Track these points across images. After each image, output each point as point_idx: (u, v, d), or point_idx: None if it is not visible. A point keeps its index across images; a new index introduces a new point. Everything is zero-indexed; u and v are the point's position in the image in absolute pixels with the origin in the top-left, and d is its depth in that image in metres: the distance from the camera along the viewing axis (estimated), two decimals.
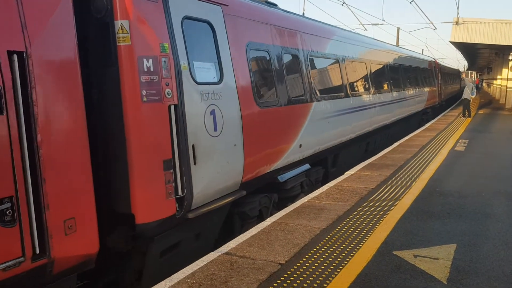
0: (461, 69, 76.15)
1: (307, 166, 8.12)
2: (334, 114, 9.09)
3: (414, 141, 12.86)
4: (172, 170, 4.68)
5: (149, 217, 4.50)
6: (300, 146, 7.61)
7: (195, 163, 4.94)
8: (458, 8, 23.05)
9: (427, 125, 17.65)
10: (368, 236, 5.09)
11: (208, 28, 5.52)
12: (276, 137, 6.82)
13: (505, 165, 9.39)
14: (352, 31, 12.33)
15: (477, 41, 22.22)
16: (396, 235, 5.14)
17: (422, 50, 58.12)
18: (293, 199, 7.53)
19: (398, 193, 7.01)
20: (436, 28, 29.41)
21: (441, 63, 35.31)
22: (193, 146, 4.91)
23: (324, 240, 4.96)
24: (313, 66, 8.55)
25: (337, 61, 9.91)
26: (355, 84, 10.71)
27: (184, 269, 4.23)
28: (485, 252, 4.67)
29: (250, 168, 6.08)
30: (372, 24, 30.59)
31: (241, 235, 5.12)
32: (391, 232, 5.25)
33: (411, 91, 17.12)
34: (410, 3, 22.25)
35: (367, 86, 11.64)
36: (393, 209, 6.13)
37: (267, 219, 5.69)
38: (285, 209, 6.18)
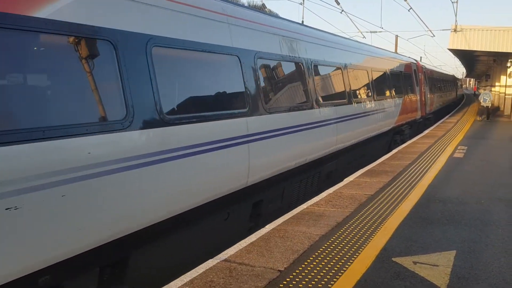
0: (459, 76, 76.38)
1: None
2: (118, 166, 4.04)
3: (413, 148, 12.86)
4: None
5: None
6: None
7: None
8: (456, 15, 23.21)
9: (426, 132, 17.66)
10: (367, 243, 5.07)
11: None
12: None
13: (504, 172, 9.39)
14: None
15: (475, 48, 22.34)
16: (395, 242, 5.12)
17: (421, 57, 58.20)
18: None
19: (397, 199, 7.00)
20: (434, 36, 29.60)
21: (430, 66, 28.75)
22: None
23: (323, 247, 4.94)
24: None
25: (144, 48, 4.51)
26: (205, 96, 5.58)
27: (183, 276, 4.21)
28: (485, 259, 4.65)
29: None
30: (371, 32, 30.74)
31: (240, 242, 5.10)
32: (390, 238, 5.23)
33: (368, 104, 11.63)
34: (409, 10, 22.39)
35: (239, 99, 6.05)
36: (392, 216, 6.12)
37: (267, 226, 5.67)
38: (284, 216, 6.15)
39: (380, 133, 13.04)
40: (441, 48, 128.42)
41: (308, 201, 6.92)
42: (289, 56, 7.78)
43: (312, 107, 8.18)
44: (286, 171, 7.21)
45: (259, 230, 5.52)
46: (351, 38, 12.30)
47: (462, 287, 4.00)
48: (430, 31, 28.09)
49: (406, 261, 4.56)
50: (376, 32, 30.15)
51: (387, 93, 13.94)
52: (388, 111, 13.67)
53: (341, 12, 21.30)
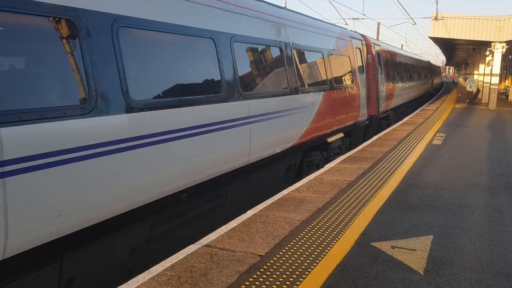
0: (439, 64, 77.24)
1: None
2: None
3: (393, 135, 13.01)
4: None
5: None
6: None
7: None
8: (437, 3, 23.39)
9: (406, 119, 17.87)
10: (347, 228, 5.14)
11: None
12: None
13: (480, 159, 9.58)
14: None
15: (455, 37, 22.61)
16: (374, 227, 5.20)
17: (402, 45, 58.51)
18: None
19: (376, 185, 7.09)
20: (415, 23, 29.79)
21: (391, 46, 21.23)
22: None
23: (304, 232, 4.99)
24: None
25: None
26: None
27: (164, 261, 4.21)
28: (461, 243, 4.76)
29: None
30: (353, 19, 30.80)
31: (222, 227, 5.11)
32: (369, 223, 5.31)
33: (224, 109, 6.13)
34: None
35: None
36: (372, 201, 6.20)
37: (248, 211, 5.69)
38: (265, 201, 6.18)
39: (262, 158, 7.28)
40: (422, 36, 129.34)
41: (290, 187, 6.96)
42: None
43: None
44: None
45: (241, 216, 5.54)
46: None
47: (439, 270, 4.09)
48: (412, 18, 28.27)
49: (384, 246, 4.63)
50: (358, 19, 30.22)
51: (283, 86, 8.06)
52: (282, 117, 7.83)
53: None
